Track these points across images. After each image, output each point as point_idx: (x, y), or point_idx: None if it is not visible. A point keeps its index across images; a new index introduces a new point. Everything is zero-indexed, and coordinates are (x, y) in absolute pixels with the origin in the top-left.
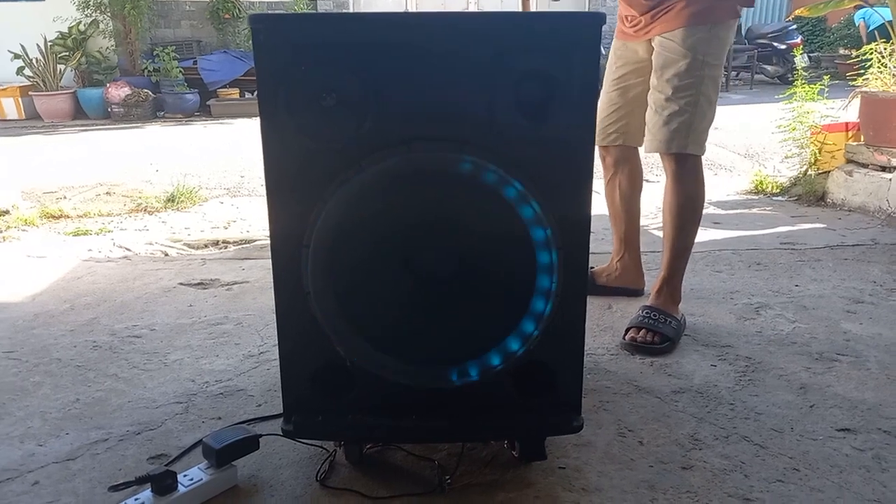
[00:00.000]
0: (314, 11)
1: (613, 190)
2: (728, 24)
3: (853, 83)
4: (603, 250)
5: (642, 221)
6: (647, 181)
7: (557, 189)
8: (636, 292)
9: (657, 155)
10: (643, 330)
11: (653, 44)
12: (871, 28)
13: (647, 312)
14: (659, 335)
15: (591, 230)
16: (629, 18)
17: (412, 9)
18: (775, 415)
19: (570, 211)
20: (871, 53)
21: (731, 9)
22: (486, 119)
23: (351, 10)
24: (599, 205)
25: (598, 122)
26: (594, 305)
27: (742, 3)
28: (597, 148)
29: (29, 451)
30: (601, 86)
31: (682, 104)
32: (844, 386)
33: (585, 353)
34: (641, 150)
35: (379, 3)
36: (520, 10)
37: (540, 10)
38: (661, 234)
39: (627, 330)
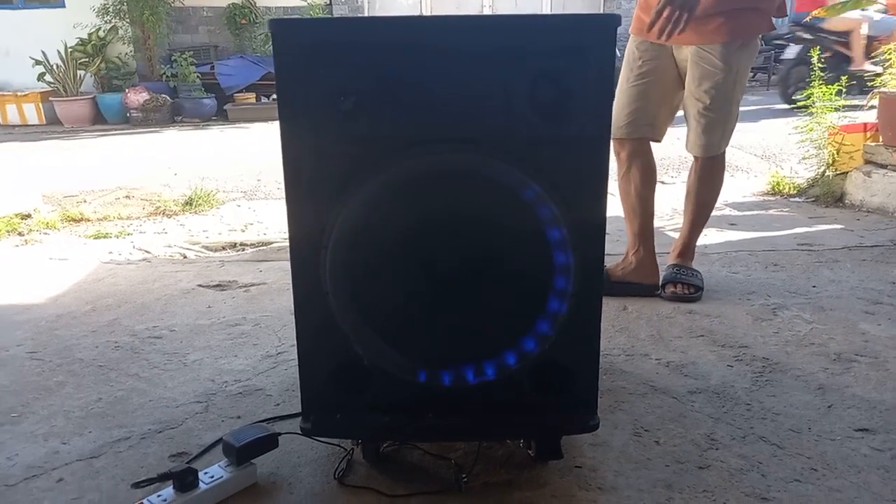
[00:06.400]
0: (330, 16)
1: (628, 184)
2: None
3: (871, 83)
4: (617, 251)
5: (658, 223)
6: (662, 182)
7: (573, 189)
8: (651, 288)
9: (672, 156)
10: (679, 284)
11: (686, 50)
12: None
13: (677, 270)
14: (692, 287)
15: (606, 231)
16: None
17: (427, 13)
18: (793, 415)
19: (585, 211)
20: (890, 54)
21: (767, 22)
22: (502, 120)
23: (366, 14)
24: (613, 206)
25: (617, 116)
26: (609, 307)
27: (777, 14)
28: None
29: (53, 449)
30: (616, 84)
31: (719, 114)
32: (863, 387)
33: (601, 353)
34: (654, 144)
35: (394, 8)
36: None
37: (555, 11)
38: (676, 234)
39: (664, 285)
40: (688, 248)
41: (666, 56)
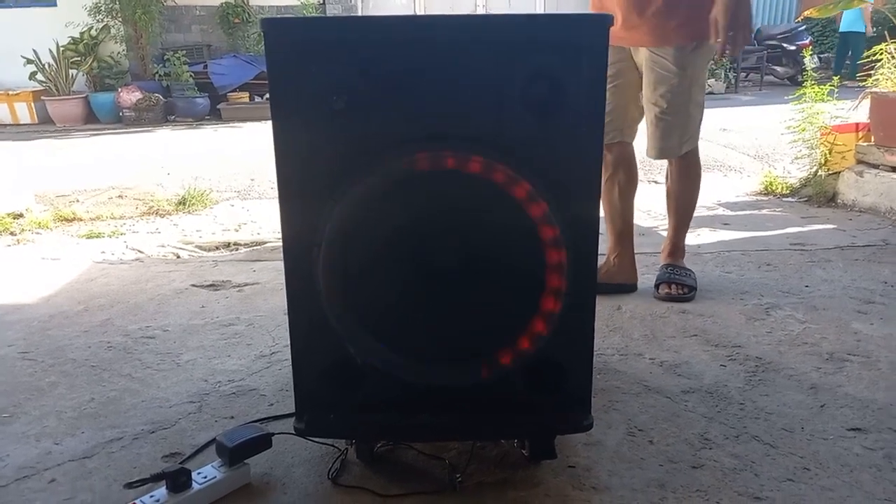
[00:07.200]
0: (323, 15)
1: (612, 187)
2: None
3: (863, 83)
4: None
5: (652, 222)
6: (655, 182)
7: (566, 188)
8: (632, 288)
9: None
10: (673, 284)
11: (642, 54)
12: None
13: (670, 270)
14: (686, 287)
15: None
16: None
17: (420, 12)
18: (786, 414)
19: (578, 210)
20: (882, 54)
21: None
22: (495, 119)
23: (360, 14)
24: None
25: None
26: (603, 306)
27: None
28: None
29: (45, 450)
30: None
31: (676, 117)
32: (855, 386)
33: (595, 353)
34: (636, 145)
35: (388, 7)
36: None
37: (548, 10)
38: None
39: (658, 286)
40: (676, 247)
41: (628, 58)
